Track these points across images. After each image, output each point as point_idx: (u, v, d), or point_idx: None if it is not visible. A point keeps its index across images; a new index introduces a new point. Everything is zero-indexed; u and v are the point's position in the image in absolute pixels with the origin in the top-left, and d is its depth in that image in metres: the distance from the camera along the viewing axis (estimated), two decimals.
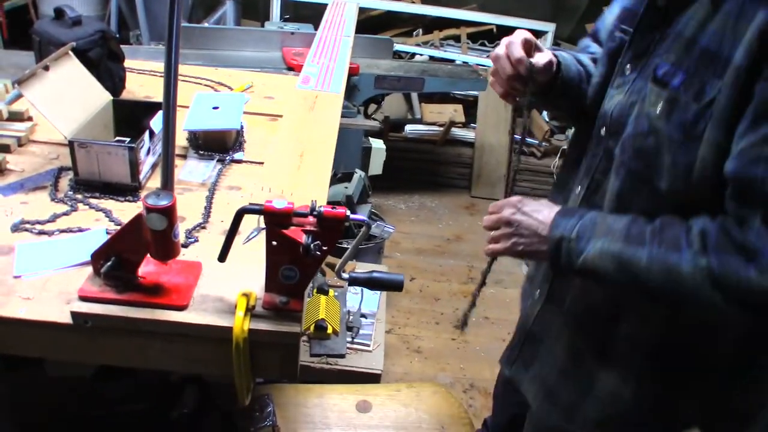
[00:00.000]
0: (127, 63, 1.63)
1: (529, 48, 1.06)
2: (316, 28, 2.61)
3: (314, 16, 3.22)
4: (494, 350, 2.02)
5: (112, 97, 1.33)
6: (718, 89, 0.83)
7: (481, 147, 3.78)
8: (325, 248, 0.86)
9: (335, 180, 2.57)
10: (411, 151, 3.79)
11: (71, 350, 0.93)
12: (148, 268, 0.93)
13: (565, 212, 1.01)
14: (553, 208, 1.03)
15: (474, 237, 3.32)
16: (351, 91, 2.89)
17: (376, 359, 2.00)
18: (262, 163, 1.36)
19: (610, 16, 1.14)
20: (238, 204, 0.89)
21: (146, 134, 1.21)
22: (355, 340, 2.03)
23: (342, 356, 1.97)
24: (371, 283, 0.95)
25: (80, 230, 1.07)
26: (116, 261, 0.88)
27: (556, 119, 3.94)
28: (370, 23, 4.21)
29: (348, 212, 0.85)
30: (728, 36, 0.83)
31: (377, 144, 2.98)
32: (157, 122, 1.23)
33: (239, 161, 1.36)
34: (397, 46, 3.89)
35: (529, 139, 3.69)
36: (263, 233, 0.87)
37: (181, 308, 0.90)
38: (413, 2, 4.25)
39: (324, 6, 2.77)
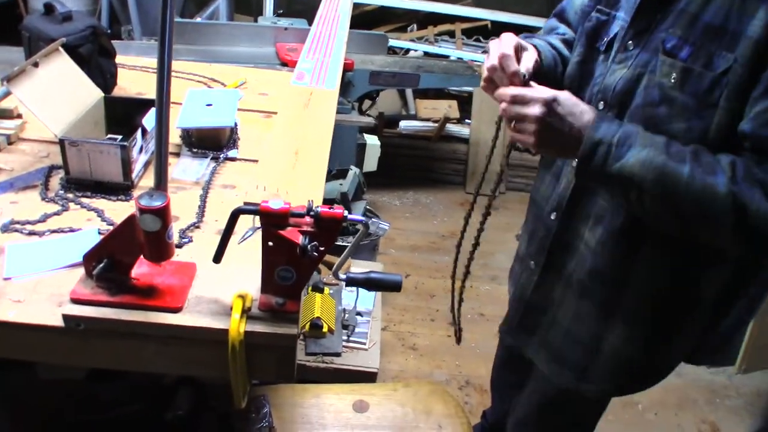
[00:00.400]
0: (119, 59, 1.61)
1: (518, 52, 1.08)
2: (309, 23, 2.59)
3: (307, 10, 3.19)
4: (489, 347, 2.02)
5: (103, 94, 1.31)
6: (732, 59, 0.91)
7: (476, 143, 3.76)
8: (322, 249, 0.84)
9: (330, 177, 2.56)
10: (405, 147, 3.77)
11: (63, 354, 0.91)
12: (141, 270, 0.92)
13: (604, 116, 1.02)
14: (590, 111, 1.01)
15: (469, 233, 3.30)
16: (345, 87, 2.87)
17: (372, 357, 2.00)
18: (257, 160, 1.34)
19: None
20: (232, 203, 0.88)
21: (138, 132, 1.19)
22: (351, 339, 2.03)
23: (338, 355, 1.96)
24: (369, 283, 0.94)
25: (72, 230, 1.05)
26: (109, 262, 0.87)
27: None
28: (363, 18, 4.19)
29: (346, 212, 0.84)
30: (734, 12, 0.91)
31: (372, 140, 2.96)
32: (149, 119, 1.21)
33: (233, 159, 1.34)
34: (392, 42, 3.86)
35: None
36: (259, 232, 0.85)
37: (175, 310, 0.88)
38: None
39: (317, 0, 2.75)
